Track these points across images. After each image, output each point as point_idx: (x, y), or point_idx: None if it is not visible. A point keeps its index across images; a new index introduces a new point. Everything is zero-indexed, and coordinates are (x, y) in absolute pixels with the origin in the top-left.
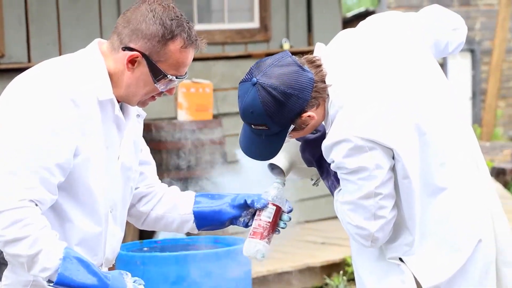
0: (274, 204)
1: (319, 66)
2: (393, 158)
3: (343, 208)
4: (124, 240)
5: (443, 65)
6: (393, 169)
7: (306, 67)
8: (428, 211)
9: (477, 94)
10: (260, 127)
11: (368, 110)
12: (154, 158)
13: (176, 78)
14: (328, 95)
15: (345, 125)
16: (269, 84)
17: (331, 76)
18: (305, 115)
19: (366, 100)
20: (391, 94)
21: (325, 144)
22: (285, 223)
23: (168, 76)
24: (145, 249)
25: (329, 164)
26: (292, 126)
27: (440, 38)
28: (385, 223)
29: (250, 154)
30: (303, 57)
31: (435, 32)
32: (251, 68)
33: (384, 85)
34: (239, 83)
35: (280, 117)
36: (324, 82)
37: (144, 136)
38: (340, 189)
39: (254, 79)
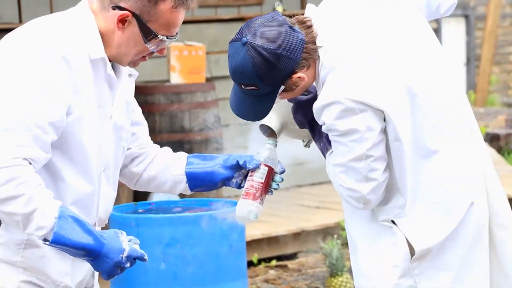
0: (266, 165)
1: (310, 27)
2: (384, 120)
3: (335, 170)
4: (118, 202)
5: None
6: (384, 131)
7: (296, 27)
8: (420, 174)
9: (472, 60)
10: (250, 87)
11: (359, 72)
12: (147, 121)
13: (167, 38)
14: (318, 56)
15: (335, 87)
16: (259, 44)
17: (322, 37)
18: (295, 76)
19: (357, 62)
20: (383, 56)
21: (315, 106)
22: (278, 184)
23: (158, 36)
24: (140, 210)
25: (321, 126)
26: (282, 87)
27: (431, 0)
28: (377, 185)
29: (240, 114)
30: (294, 17)
31: None
32: (241, 27)
33: (375, 47)
34: (229, 42)
35: (270, 77)
36: (315, 43)
37: (136, 98)
38: (332, 151)
39: (244, 39)
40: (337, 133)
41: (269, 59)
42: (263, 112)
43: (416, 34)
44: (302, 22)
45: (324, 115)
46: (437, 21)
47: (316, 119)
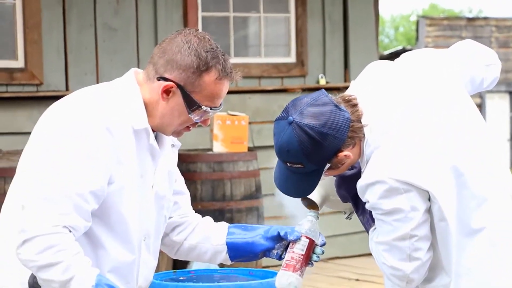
0: (307, 237)
1: (355, 105)
2: (429, 199)
3: (378, 248)
4: (157, 269)
5: (480, 105)
6: (429, 210)
7: (342, 106)
8: (465, 252)
9: None
10: (296, 166)
11: (404, 151)
12: (189, 189)
13: (211, 109)
14: (364, 134)
15: (380, 166)
16: (305, 123)
17: (367, 115)
18: (341, 154)
19: (402, 141)
20: (428, 135)
21: (360, 184)
22: (318, 256)
23: (202, 107)
24: (181, 278)
25: (365, 202)
26: (328, 165)
27: (475, 74)
28: (421, 265)
29: (285, 191)
30: (339, 96)
31: (470, 69)
32: (287, 106)
33: (420, 126)
34: (275, 120)
35: (316, 156)
36: (360, 121)
37: (179, 167)
38: (375, 228)
39: (291, 118)
40: (381, 212)
41: (315, 138)
42: (308, 189)
43: (460, 111)
44: (347, 101)
45: (368, 194)
46: (481, 96)
47: (360, 197)
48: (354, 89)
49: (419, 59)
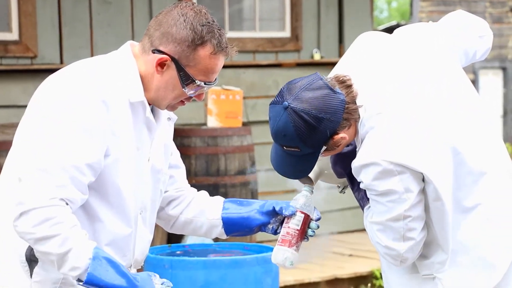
0: (302, 212)
1: (350, 86)
2: (423, 180)
3: (372, 227)
4: (153, 244)
5: (474, 82)
6: (423, 191)
7: (337, 88)
8: (461, 228)
9: (508, 112)
10: (292, 149)
11: (398, 132)
12: (183, 163)
13: (205, 84)
14: (359, 115)
15: (374, 148)
16: (301, 108)
17: (362, 96)
18: (337, 136)
19: (396, 122)
20: (423, 114)
21: (354, 165)
22: (313, 231)
23: (196, 81)
24: (178, 252)
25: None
26: (324, 147)
27: (468, 47)
28: (414, 244)
29: (282, 172)
30: (333, 76)
31: (463, 41)
32: (281, 90)
33: (415, 105)
34: (270, 104)
35: (312, 140)
36: (355, 102)
37: (174, 141)
38: (370, 207)
39: (286, 103)
40: (375, 193)
41: (311, 123)
42: (305, 171)
43: (455, 88)
44: (342, 82)
45: (362, 175)
46: (474, 72)
47: (355, 176)
48: (346, 64)
49: (412, 34)
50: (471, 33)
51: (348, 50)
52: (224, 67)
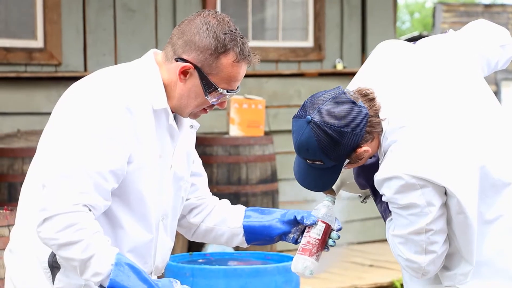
0: (323, 222)
1: (373, 99)
2: (446, 193)
3: (394, 240)
4: (173, 252)
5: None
6: (445, 204)
7: (360, 102)
8: (484, 240)
9: None
10: (316, 162)
11: (421, 146)
12: (205, 172)
13: (227, 92)
14: (382, 128)
15: (397, 161)
16: (323, 122)
17: (385, 109)
18: (360, 150)
19: (419, 136)
20: (446, 129)
21: (377, 178)
22: (334, 241)
23: (219, 89)
24: (200, 260)
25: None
26: (347, 160)
27: (490, 57)
28: (436, 257)
29: (306, 185)
30: (356, 89)
31: (485, 52)
32: (304, 103)
33: (438, 120)
34: (293, 118)
35: (335, 153)
36: (378, 116)
37: (195, 149)
38: (392, 219)
39: (309, 117)
40: (397, 206)
41: (334, 137)
42: (328, 183)
43: (479, 100)
44: (364, 95)
45: (384, 188)
46: (496, 84)
47: (377, 189)
48: (368, 73)
49: (435, 44)
50: (493, 43)
51: (369, 58)
52: (247, 76)
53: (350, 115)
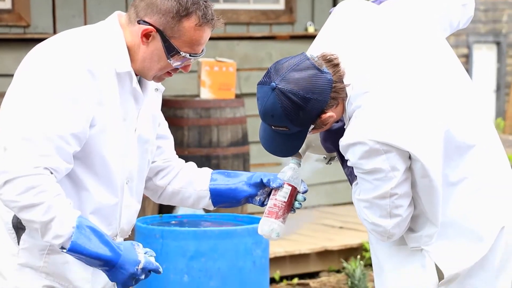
0: (289, 184)
1: (337, 65)
2: (410, 158)
3: (359, 204)
4: (143, 214)
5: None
6: (409, 168)
7: (324, 68)
8: (449, 202)
9: (502, 87)
10: (281, 128)
11: (384, 111)
12: (175, 135)
13: (190, 55)
14: (346, 93)
15: (361, 127)
16: (288, 89)
17: (349, 74)
18: (324, 115)
19: (383, 101)
20: (410, 93)
21: (341, 143)
22: (300, 204)
23: (181, 53)
24: (173, 222)
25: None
26: (312, 126)
27: (452, 17)
28: (401, 220)
29: (272, 151)
30: (320, 55)
31: (447, 13)
32: (269, 70)
33: (402, 84)
34: (258, 84)
35: (300, 119)
36: (343, 81)
37: (166, 112)
38: (357, 183)
39: (273, 84)
40: (362, 171)
41: (298, 103)
42: (294, 149)
43: (442, 62)
44: (329, 61)
45: (349, 153)
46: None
47: (342, 154)
48: (330, 35)
49: (398, 6)
50: (455, 3)
51: (330, 17)
52: (218, 38)
53: (314, 81)
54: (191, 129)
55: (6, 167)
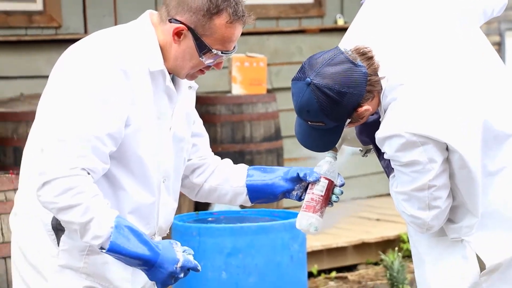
0: (326, 178)
1: (371, 58)
2: (447, 149)
3: (397, 197)
4: (180, 211)
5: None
6: (447, 159)
7: (358, 61)
8: (489, 192)
9: None
10: (317, 124)
11: (420, 104)
12: (208, 131)
13: (222, 53)
14: (381, 86)
15: (397, 120)
16: (323, 84)
17: (383, 67)
18: (360, 109)
19: (419, 94)
20: (446, 84)
21: (378, 136)
22: (338, 197)
23: (213, 50)
24: (210, 219)
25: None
26: (348, 120)
27: (486, 6)
28: (440, 212)
29: (308, 146)
30: (354, 48)
31: (482, 1)
32: (303, 65)
33: (437, 75)
34: (292, 80)
35: (336, 114)
36: (377, 74)
37: (198, 109)
38: (394, 175)
39: (308, 79)
40: (399, 164)
41: (334, 98)
42: (330, 143)
43: (478, 52)
44: (363, 54)
45: (385, 146)
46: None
47: (379, 147)
48: (361, 29)
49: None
50: None
51: (361, 10)
52: (248, 34)
53: (349, 75)
54: (224, 126)
55: (43, 169)
